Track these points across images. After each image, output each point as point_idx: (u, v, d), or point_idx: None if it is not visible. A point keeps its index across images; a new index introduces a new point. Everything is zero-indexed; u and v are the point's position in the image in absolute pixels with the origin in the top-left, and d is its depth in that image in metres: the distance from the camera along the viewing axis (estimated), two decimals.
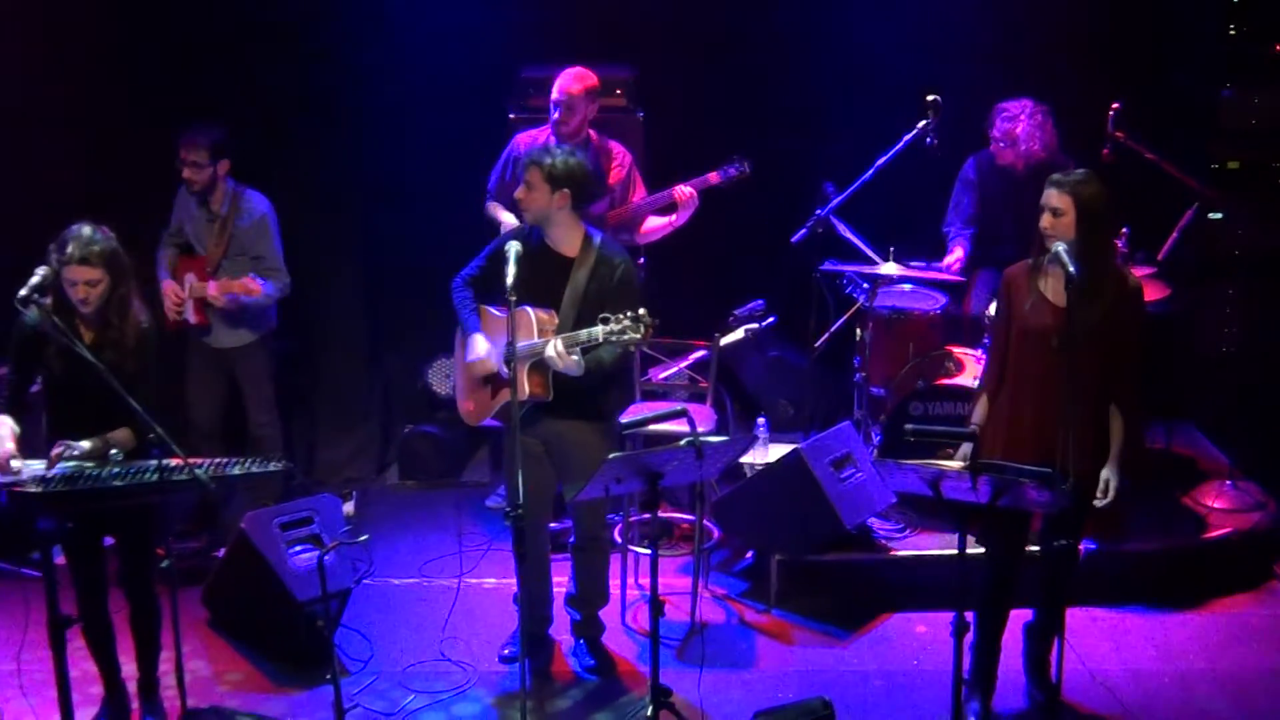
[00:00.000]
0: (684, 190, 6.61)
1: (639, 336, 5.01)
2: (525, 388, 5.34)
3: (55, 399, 5.20)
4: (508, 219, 6.67)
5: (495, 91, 7.30)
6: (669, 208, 6.67)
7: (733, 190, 6.59)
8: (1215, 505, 6.78)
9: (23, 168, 7.20)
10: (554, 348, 5.18)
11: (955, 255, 6.90)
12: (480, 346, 5.53)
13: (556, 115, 6.54)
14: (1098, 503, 5.19)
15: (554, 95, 6.55)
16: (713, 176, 6.61)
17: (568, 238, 5.46)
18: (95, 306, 5.03)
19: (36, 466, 5.01)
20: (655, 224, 6.72)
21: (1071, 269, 4.87)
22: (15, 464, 4.97)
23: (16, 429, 5.08)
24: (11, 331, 5.11)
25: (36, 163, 7.24)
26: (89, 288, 4.99)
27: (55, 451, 4.99)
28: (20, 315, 4.99)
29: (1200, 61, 7.28)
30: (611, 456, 4.96)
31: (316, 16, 7.28)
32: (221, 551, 6.39)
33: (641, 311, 5.00)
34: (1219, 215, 7.12)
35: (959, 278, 6.89)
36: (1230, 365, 7.24)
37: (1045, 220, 5.03)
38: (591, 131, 6.70)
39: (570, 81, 6.53)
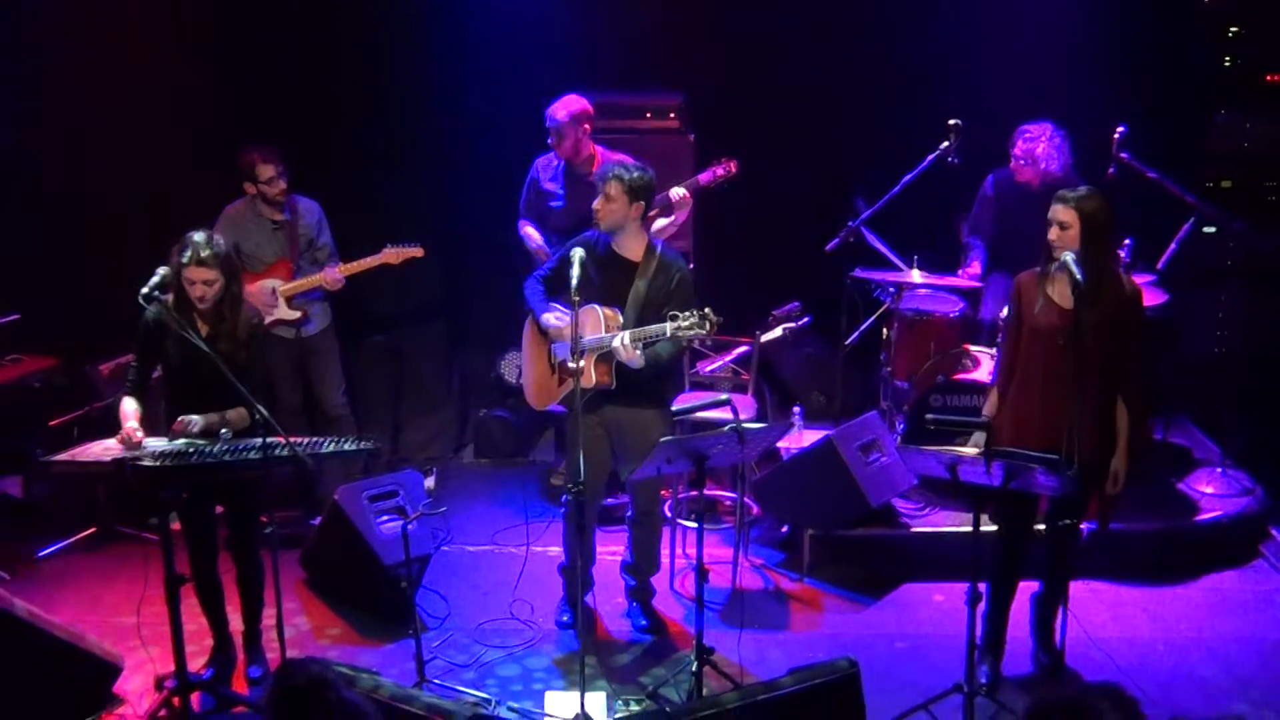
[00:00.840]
0: (677, 192, 6.56)
1: (704, 332, 5.04)
2: (592, 376, 5.38)
3: (173, 384, 5.27)
4: (531, 234, 6.74)
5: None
6: (667, 209, 6.61)
7: (729, 189, 6.52)
8: (1207, 491, 6.73)
9: (126, 177, 7.26)
10: (621, 341, 5.21)
11: (973, 265, 6.87)
12: (553, 319, 5.56)
13: (550, 140, 6.55)
14: (1109, 491, 5.19)
15: (547, 122, 6.54)
16: (702, 177, 6.57)
17: (634, 245, 5.48)
18: (211, 303, 5.10)
19: (157, 443, 5.08)
20: (661, 224, 6.63)
21: (1079, 276, 4.85)
22: (138, 436, 5.05)
23: (140, 410, 5.17)
24: (137, 325, 5.19)
25: (134, 172, 7.27)
26: (206, 286, 5.06)
27: (176, 425, 5.07)
28: (144, 311, 5.06)
29: (1197, 90, 7.22)
30: (663, 440, 4.98)
31: (399, 42, 7.30)
32: (317, 520, 6.43)
33: (707, 310, 5.03)
34: (1213, 229, 7.08)
35: (977, 284, 6.85)
36: (1222, 365, 7.18)
37: (1053, 232, 5.02)
38: (597, 148, 6.66)
39: (556, 108, 6.51)
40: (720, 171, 6.54)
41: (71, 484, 6.70)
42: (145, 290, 4.94)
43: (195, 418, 5.07)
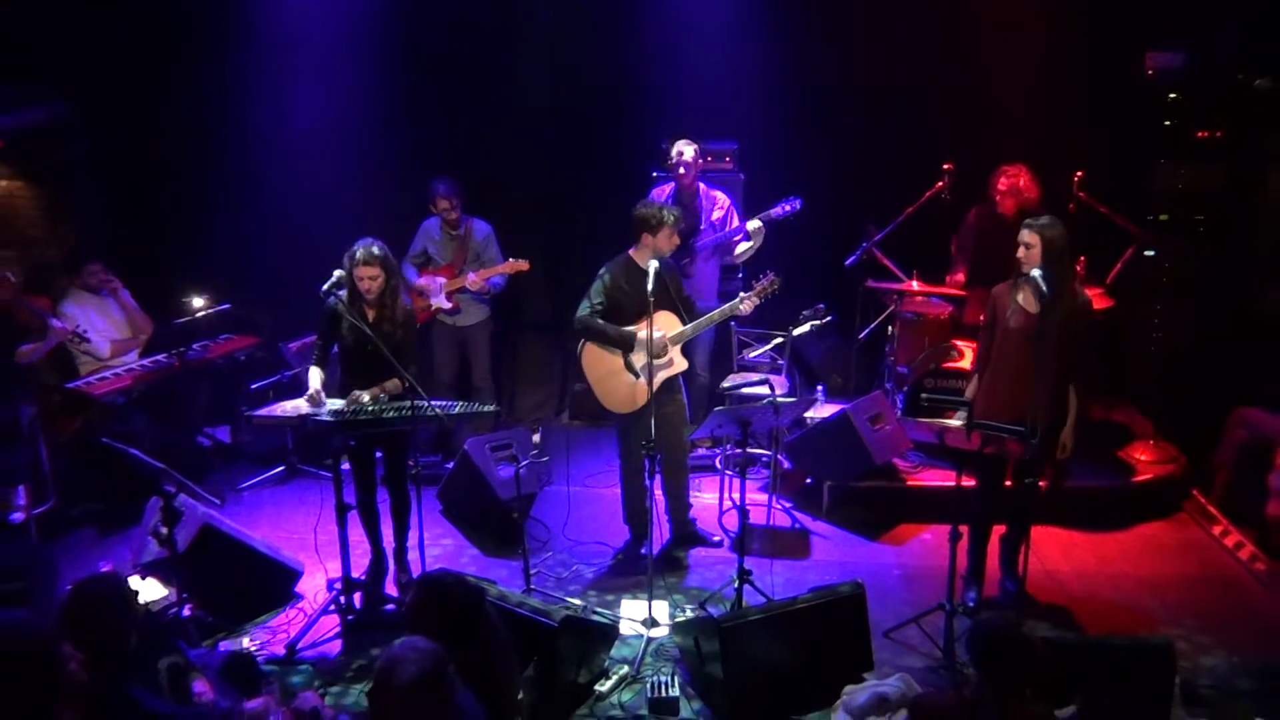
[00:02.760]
0: (754, 224, 6.55)
1: (778, 284, 5.50)
2: (680, 361, 5.40)
3: (346, 359, 5.34)
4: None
5: (641, 156, 7.25)
6: (747, 235, 6.61)
7: (792, 221, 6.49)
8: (1141, 458, 6.61)
9: (325, 194, 7.27)
10: (750, 300, 5.42)
11: (959, 275, 6.78)
12: (641, 332, 5.39)
13: (681, 171, 6.51)
14: (1060, 456, 5.14)
15: (677, 159, 6.52)
16: (775, 211, 6.53)
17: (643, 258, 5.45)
18: (376, 295, 5.16)
19: (334, 404, 5.16)
20: (743, 249, 6.65)
21: (1044, 289, 4.80)
22: (321, 396, 5.14)
23: (322, 377, 5.24)
24: (320, 313, 5.25)
25: (329, 189, 7.27)
26: (372, 281, 5.12)
27: (350, 398, 5.14)
28: (325, 303, 5.13)
29: (1142, 142, 7.12)
30: (716, 410, 4.97)
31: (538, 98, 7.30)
32: (450, 464, 6.49)
33: (768, 271, 5.48)
34: (1152, 253, 6.97)
35: (960, 291, 6.76)
36: (1156, 358, 7.08)
37: (1020, 251, 4.97)
38: (700, 183, 6.66)
39: (687, 148, 6.52)
40: (788, 208, 6.50)
41: (267, 433, 6.81)
42: (325, 287, 5.02)
43: (364, 394, 5.14)
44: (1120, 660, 4.32)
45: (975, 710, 3.42)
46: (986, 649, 3.46)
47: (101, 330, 6.51)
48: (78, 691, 3.29)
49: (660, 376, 5.42)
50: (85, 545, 5.89)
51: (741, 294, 5.50)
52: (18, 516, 5.74)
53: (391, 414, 5.05)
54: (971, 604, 5.25)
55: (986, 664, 3.46)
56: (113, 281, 6.62)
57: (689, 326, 5.47)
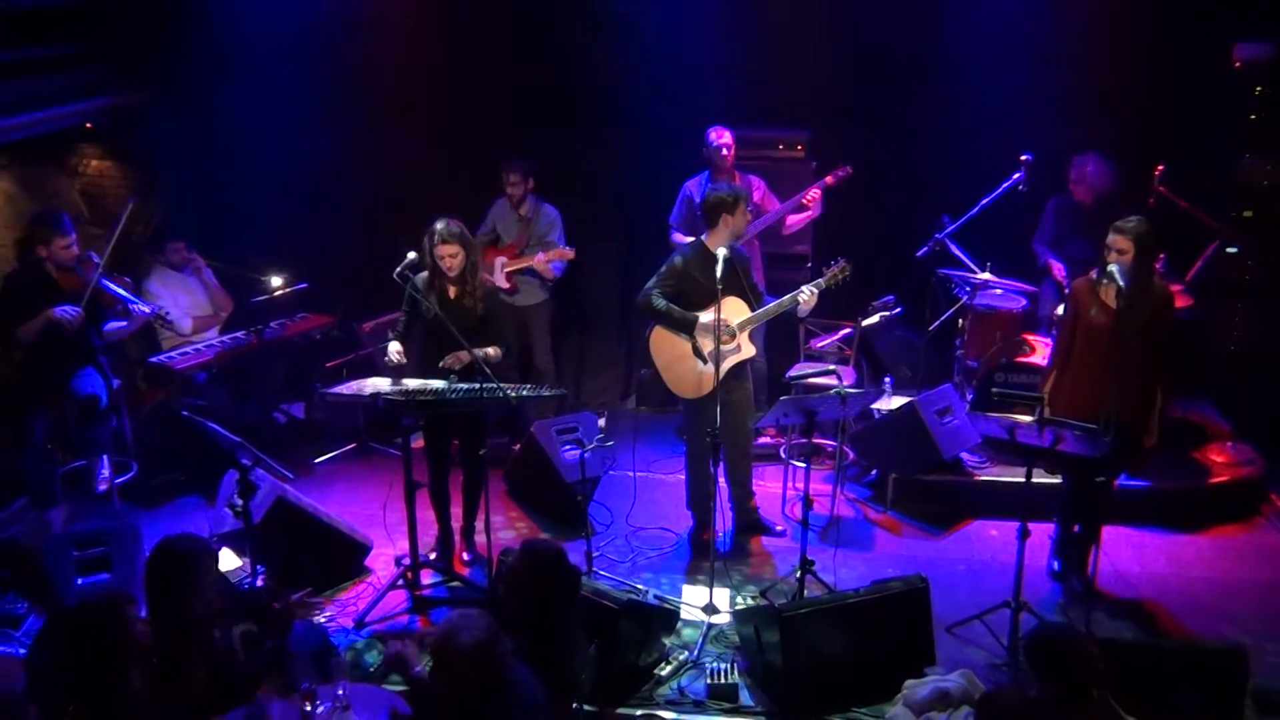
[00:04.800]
0: (811, 194, 6.54)
1: (849, 272, 5.43)
2: (748, 348, 5.38)
3: (430, 338, 5.38)
4: (679, 241, 6.68)
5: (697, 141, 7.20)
6: (801, 208, 6.60)
7: (844, 189, 6.56)
8: (1218, 459, 6.43)
9: (397, 177, 7.35)
10: (810, 292, 5.33)
11: (1058, 266, 6.64)
12: (704, 318, 5.35)
13: (725, 154, 6.54)
14: (1146, 445, 5.06)
15: (718, 142, 6.54)
16: (828, 179, 6.55)
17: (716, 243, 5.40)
18: (458, 270, 5.21)
19: (412, 383, 5.20)
20: (796, 219, 6.65)
21: (1123, 284, 4.73)
22: (401, 358, 5.21)
23: (401, 349, 5.28)
24: (404, 293, 5.27)
25: (395, 170, 7.35)
26: (453, 259, 5.18)
27: (446, 361, 5.21)
28: (402, 284, 5.17)
29: (1228, 136, 6.93)
30: (783, 399, 4.94)
31: (606, 91, 7.30)
32: (517, 446, 6.53)
33: (839, 258, 5.42)
34: (1235, 249, 6.79)
35: (1064, 279, 6.58)
36: (1236, 358, 6.89)
37: (1112, 257, 4.87)
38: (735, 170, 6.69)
39: (727, 135, 6.56)
40: (841, 174, 6.53)
41: (340, 410, 6.87)
42: (399, 269, 5.08)
43: (462, 355, 5.13)
44: (1192, 664, 4.22)
45: (1043, 711, 3.39)
46: (1039, 652, 3.45)
47: (184, 307, 6.67)
48: (145, 651, 3.40)
49: (728, 363, 5.38)
50: (165, 515, 6.04)
51: (803, 286, 5.36)
52: (102, 486, 5.91)
53: (457, 395, 5.09)
54: (1079, 588, 5.21)
55: (1040, 668, 3.43)
56: (195, 259, 6.77)
57: (756, 314, 5.44)
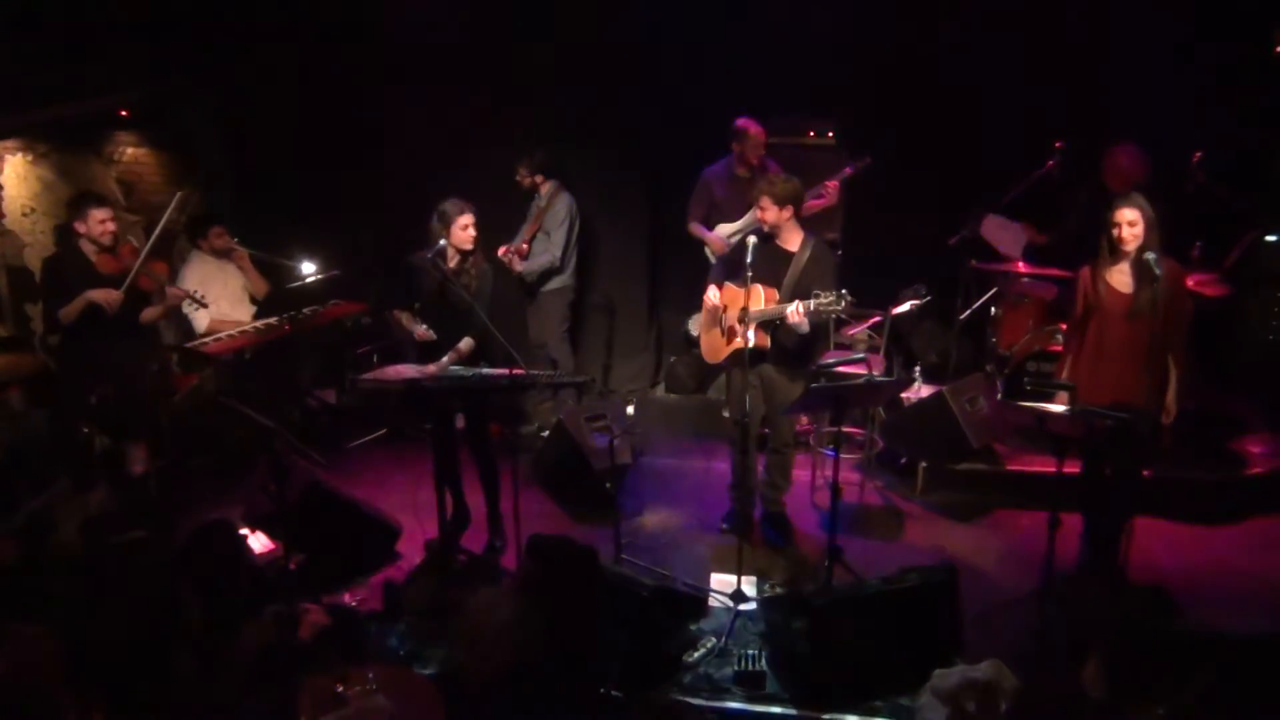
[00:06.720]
0: (829, 185, 6.56)
1: (840, 308, 4.92)
2: (754, 339, 5.33)
3: (433, 318, 5.40)
4: (696, 231, 6.78)
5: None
6: (820, 193, 6.59)
7: (871, 178, 6.54)
8: (1254, 450, 6.34)
9: (423, 176, 7.28)
10: (795, 308, 5.03)
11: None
12: (707, 298, 5.49)
13: (755, 145, 6.56)
14: (1164, 421, 4.96)
15: (750, 136, 6.55)
16: (847, 170, 6.54)
17: (792, 237, 5.37)
18: (472, 244, 5.28)
19: (432, 368, 5.22)
20: (813, 204, 6.56)
21: (1157, 272, 4.65)
22: (425, 332, 5.26)
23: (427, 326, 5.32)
24: (406, 268, 5.32)
25: (429, 162, 7.39)
26: (474, 229, 5.25)
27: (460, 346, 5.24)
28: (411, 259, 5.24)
29: (1268, 124, 6.80)
30: (812, 386, 4.90)
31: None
32: (545, 433, 6.55)
33: (843, 290, 4.90)
34: (1274, 238, 6.66)
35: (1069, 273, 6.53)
36: (1275, 348, 6.77)
37: (1124, 231, 4.77)
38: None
39: (757, 126, 6.57)
40: (860, 164, 6.53)
41: (371, 395, 6.92)
42: (431, 254, 5.09)
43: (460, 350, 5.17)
44: (1232, 655, 4.15)
45: (1086, 708, 3.34)
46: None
47: (218, 293, 6.72)
48: (195, 633, 3.44)
49: (730, 347, 5.47)
50: (200, 498, 6.11)
51: (797, 301, 5.07)
52: (138, 469, 5.99)
53: (487, 381, 5.09)
54: (1109, 579, 5.12)
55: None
56: (234, 247, 6.83)
57: (758, 310, 5.32)
